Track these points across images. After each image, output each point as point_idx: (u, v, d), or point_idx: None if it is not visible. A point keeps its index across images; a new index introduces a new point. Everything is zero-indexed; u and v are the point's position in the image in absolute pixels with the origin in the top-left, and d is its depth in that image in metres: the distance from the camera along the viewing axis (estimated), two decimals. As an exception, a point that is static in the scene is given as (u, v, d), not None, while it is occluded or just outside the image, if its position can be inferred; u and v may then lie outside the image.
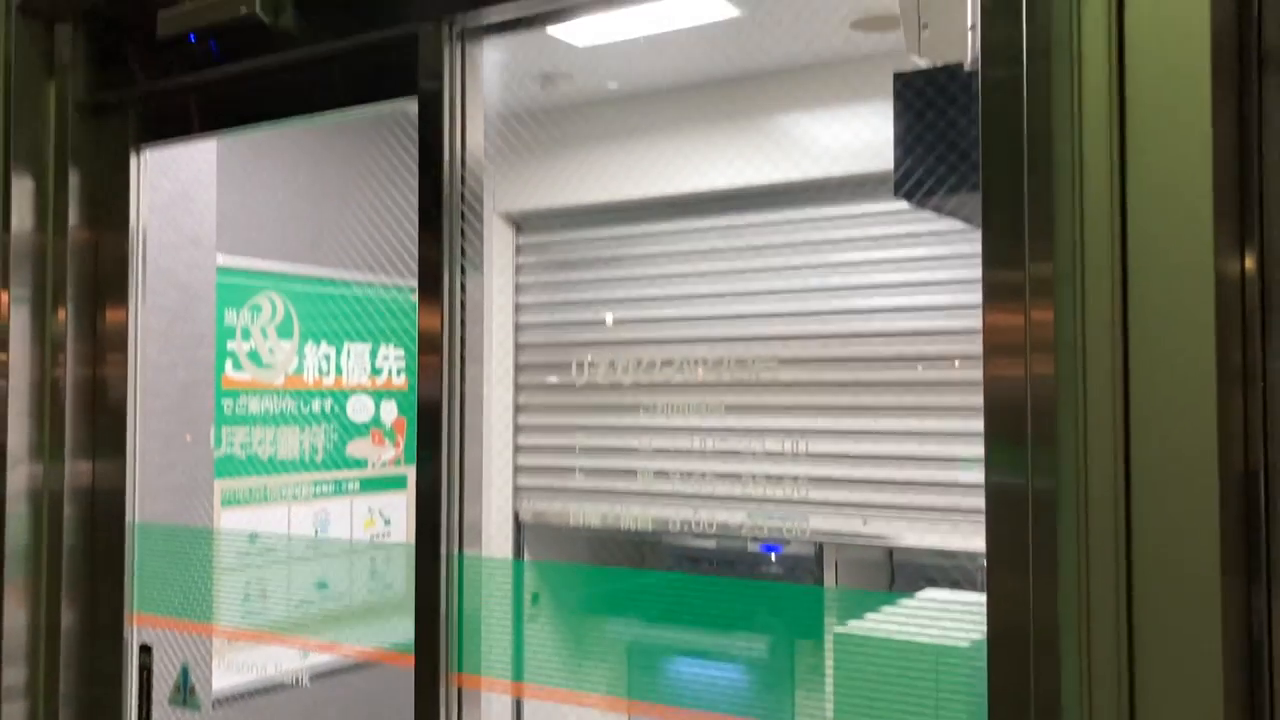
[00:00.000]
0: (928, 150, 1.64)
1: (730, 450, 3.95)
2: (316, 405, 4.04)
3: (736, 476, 3.93)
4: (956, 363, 3.67)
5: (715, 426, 3.94)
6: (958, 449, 3.57)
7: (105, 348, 2.51)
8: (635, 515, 4.12)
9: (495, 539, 4.26)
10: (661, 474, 4.11)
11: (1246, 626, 1.31)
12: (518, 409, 4.60)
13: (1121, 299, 1.34)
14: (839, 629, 1.57)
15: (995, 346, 1.41)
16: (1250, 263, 1.33)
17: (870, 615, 1.54)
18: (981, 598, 1.41)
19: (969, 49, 1.59)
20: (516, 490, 4.55)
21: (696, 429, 4.01)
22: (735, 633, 1.68)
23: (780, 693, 1.64)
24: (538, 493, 4.52)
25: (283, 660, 3.94)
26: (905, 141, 1.70)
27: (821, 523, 3.83)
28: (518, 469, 4.57)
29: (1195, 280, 1.30)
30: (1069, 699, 1.34)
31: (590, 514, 4.29)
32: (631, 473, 4.19)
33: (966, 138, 1.54)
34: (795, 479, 3.86)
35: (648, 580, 1.81)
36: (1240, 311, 1.33)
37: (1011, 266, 1.40)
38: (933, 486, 3.68)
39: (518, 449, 4.57)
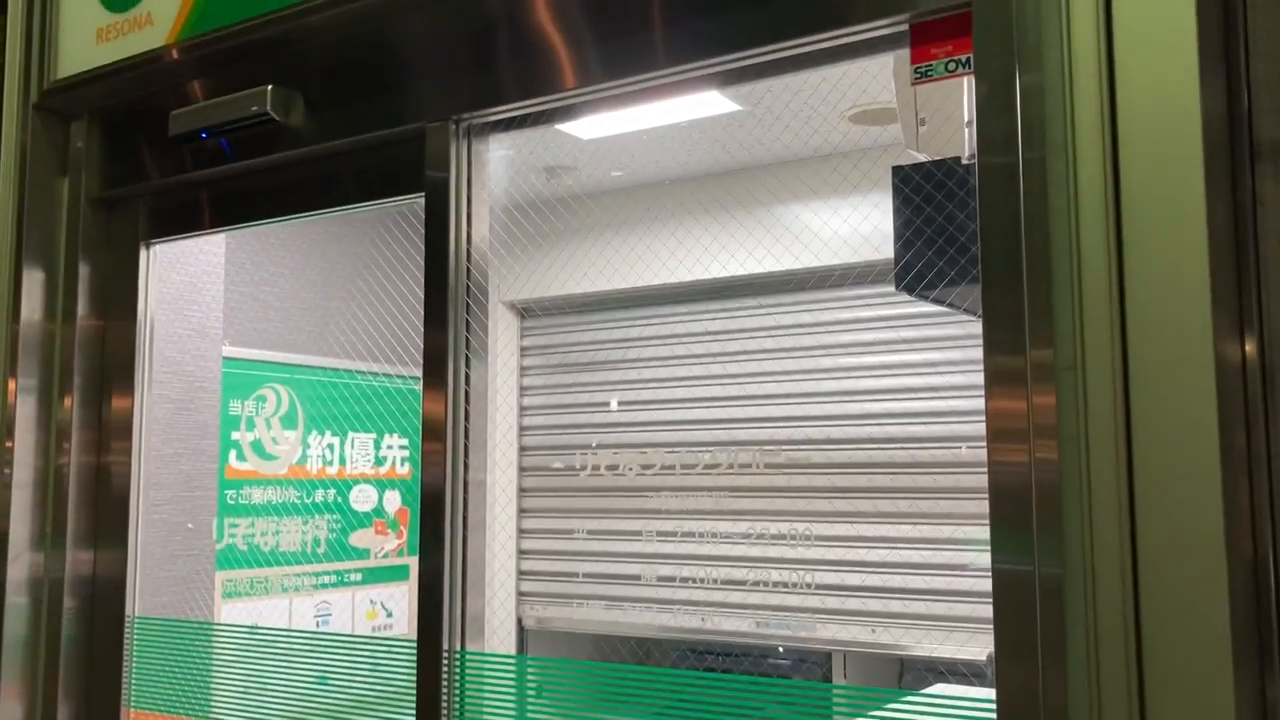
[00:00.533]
0: (927, 244, 1.65)
1: (738, 556, 3.93)
2: (319, 495, 4.02)
3: (743, 583, 3.90)
4: (963, 448, 3.66)
5: (723, 532, 3.92)
6: (969, 558, 3.54)
7: (110, 437, 2.51)
8: (641, 624, 4.07)
9: (499, 646, 4.21)
10: (666, 580, 4.08)
11: (1260, 715, 1.29)
12: (521, 500, 4.58)
13: (1123, 385, 1.34)
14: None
15: (999, 432, 1.41)
16: (1250, 347, 1.34)
17: (878, 712, 1.51)
18: (991, 693, 1.38)
19: (966, 143, 1.61)
20: (520, 596, 4.51)
21: (702, 536, 3.99)
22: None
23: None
24: (541, 599, 4.48)
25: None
26: (904, 235, 1.72)
27: (830, 631, 3.79)
28: (521, 574, 4.53)
29: (1196, 365, 1.30)
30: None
31: (595, 622, 4.25)
32: (636, 578, 4.15)
33: (965, 231, 1.55)
34: (804, 586, 3.83)
35: (653, 678, 1.78)
36: (1242, 396, 1.33)
37: (1012, 353, 1.40)
38: (945, 595, 3.64)
39: (521, 554, 4.54)
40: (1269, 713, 1.28)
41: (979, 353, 1.42)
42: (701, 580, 4.00)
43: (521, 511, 4.54)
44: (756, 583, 3.87)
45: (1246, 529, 1.30)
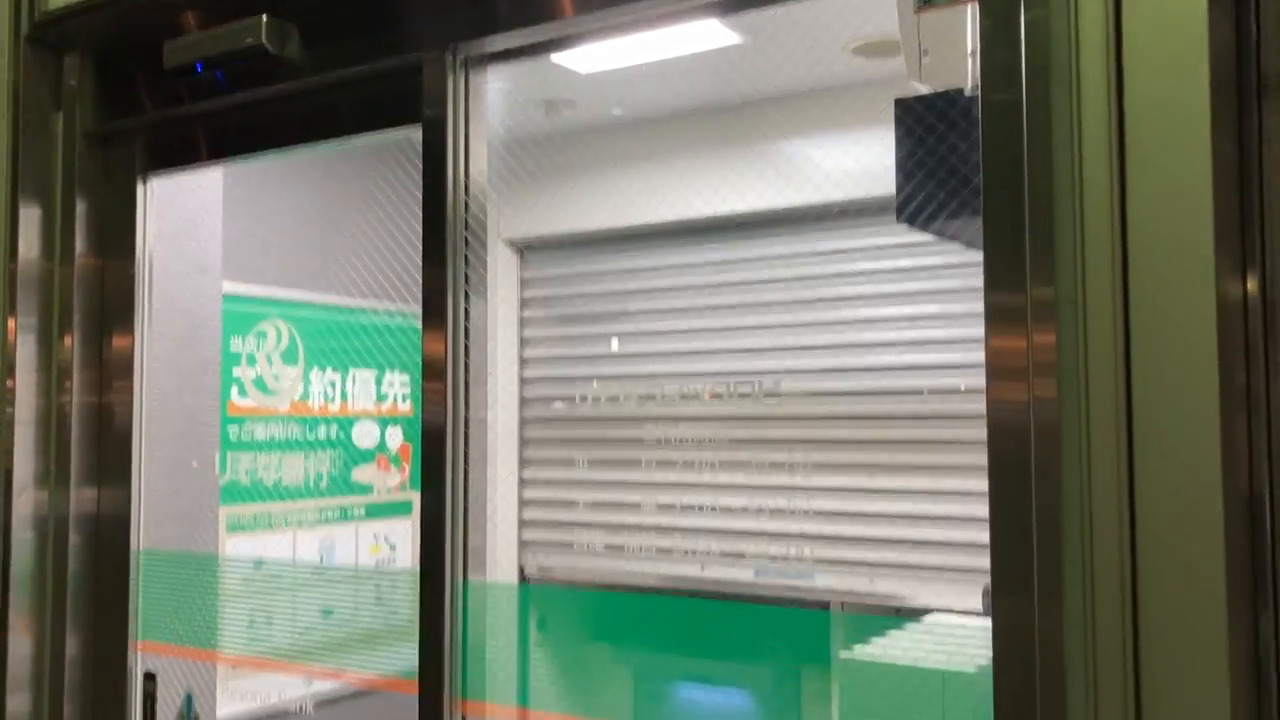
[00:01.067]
0: (929, 175, 1.64)
1: (737, 507, 3.95)
2: (322, 431, 4.05)
3: (743, 533, 3.93)
4: (962, 385, 3.67)
5: (723, 483, 3.94)
6: (968, 508, 3.56)
7: (111, 375, 2.52)
8: (641, 573, 4.10)
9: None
10: (666, 530, 4.11)
11: (1253, 651, 1.31)
12: (523, 450, 4.59)
13: (1124, 322, 1.34)
14: (844, 654, 1.56)
15: (998, 370, 1.41)
16: (1252, 284, 1.33)
17: (877, 640, 1.54)
18: (987, 622, 1.40)
19: (969, 74, 1.60)
20: (522, 545, 4.55)
21: (703, 485, 4.01)
22: (741, 657, 1.67)
23: (786, 717, 1.63)
24: (543, 547, 4.51)
25: (287, 688, 3.93)
26: (906, 167, 1.71)
27: (828, 581, 3.82)
28: (523, 523, 4.57)
29: (1197, 302, 1.30)
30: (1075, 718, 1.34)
31: (596, 571, 4.28)
32: (637, 529, 4.19)
33: (967, 162, 1.54)
34: (802, 536, 3.85)
35: (654, 605, 1.80)
36: (1243, 333, 1.33)
37: (1013, 290, 1.40)
38: (943, 546, 3.66)
39: (523, 503, 4.57)
40: (1261, 646, 1.30)
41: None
42: (701, 530, 4.03)
43: (524, 463, 4.57)
44: (755, 532, 3.90)
45: (1244, 466, 1.31)
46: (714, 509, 3.98)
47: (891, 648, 1.51)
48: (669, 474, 4.13)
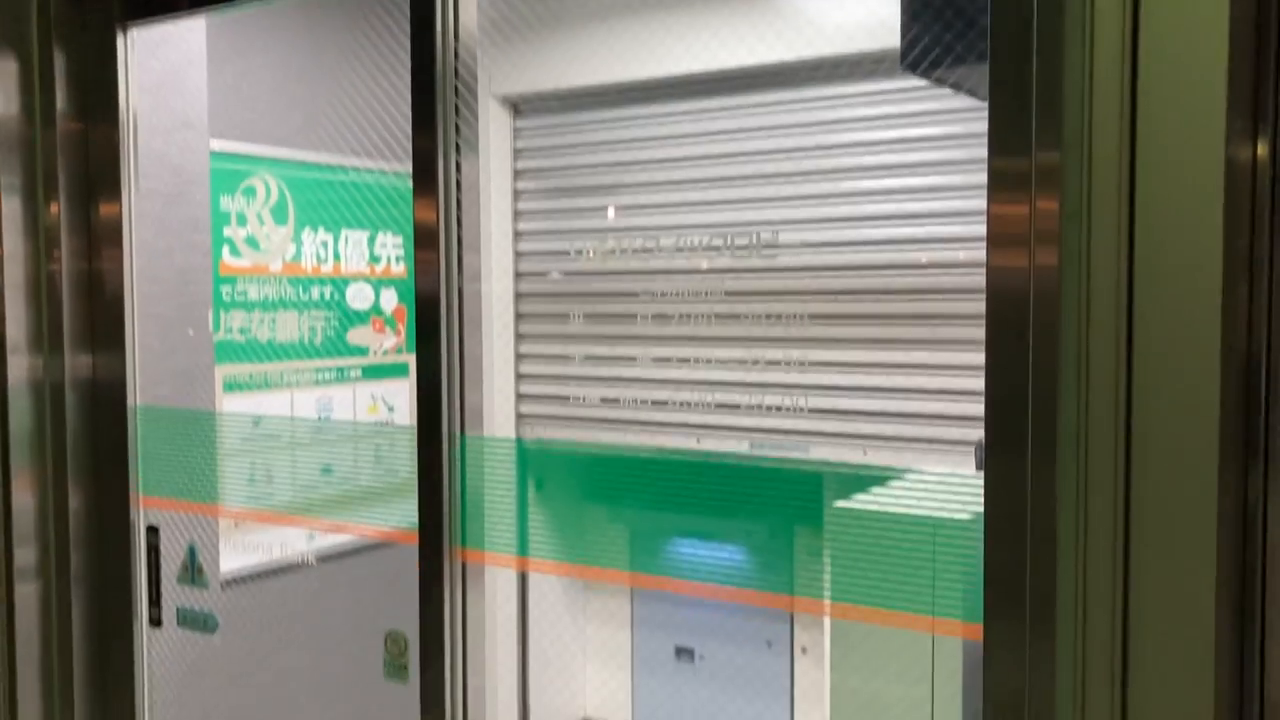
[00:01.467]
0: (935, 17, 1.59)
1: (734, 381, 3.97)
2: (316, 292, 4.04)
3: (738, 407, 3.95)
4: (961, 255, 3.65)
5: (719, 357, 3.95)
6: (965, 382, 3.57)
7: (100, 237, 2.49)
8: (637, 447, 4.14)
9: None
10: (661, 405, 4.14)
11: (1241, 506, 1.33)
12: (519, 325, 4.58)
13: (1129, 188, 1.32)
14: (837, 503, 1.59)
15: (999, 237, 1.40)
16: (1262, 149, 1.31)
17: (875, 490, 1.56)
18: (980, 476, 1.42)
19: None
20: (519, 418, 4.59)
21: (700, 360, 4.01)
22: (736, 515, 1.70)
23: (779, 567, 1.67)
24: (540, 421, 4.54)
25: (289, 544, 4.01)
26: (911, 9, 1.65)
27: (822, 453, 3.85)
28: (520, 396, 4.59)
29: (1205, 166, 1.28)
30: (1065, 574, 1.37)
31: (592, 442, 4.32)
32: (633, 404, 4.21)
33: (974, 4, 1.50)
34: (798, 410, 3.88)
35: (650, 466, 1.83)
36: (1250, 200, 1.31)
37: (1018, 154, 1.38)
38: (938, 419, 3.68)
39: (519, 377, 4.58)
40: (1249, 505, 1.32)
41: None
42: (696, 405, 4.06)
43: (520, 337, 4.57)
44: (751, 406, 3.93)
45: (1243, 328, 1.31)
46: (710, 383, 4.01)
47: (883, 499, 1.54)
48: (665, 348, 4.14)
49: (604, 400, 4.31)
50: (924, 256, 3.73)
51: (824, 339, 3.84)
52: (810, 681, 4.70)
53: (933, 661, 2.21)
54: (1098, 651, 1.35)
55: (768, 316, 3.85)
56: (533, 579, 5.02)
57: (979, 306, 1.41)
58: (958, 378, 3.63)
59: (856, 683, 2.26)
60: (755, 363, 3.88)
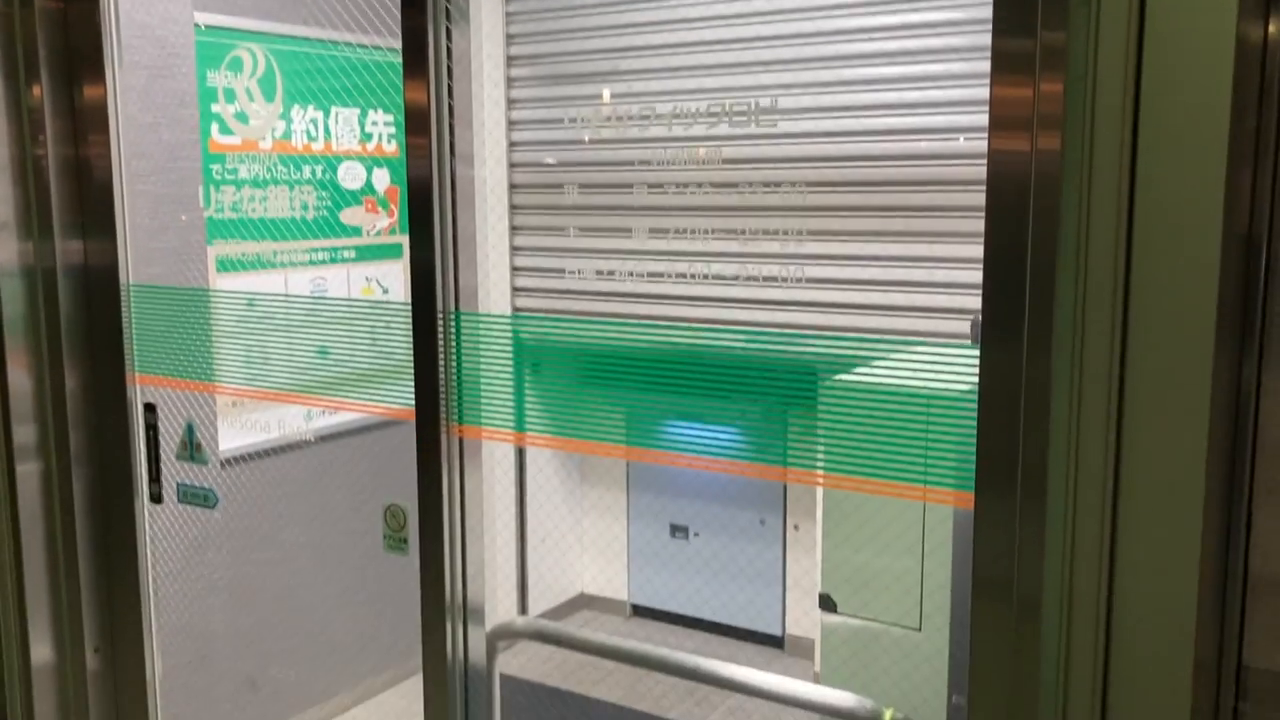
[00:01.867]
0: None
1: (729, 275, 3.95)
2: (306, 171, 3.98)
3: (733, 301, 3.94)
4: (961, 139, 3.60)
5: (714, 250, 3.91)
6: (963, 275, 3.55)
7: (86, 120, 2.44)
8: (633, 320, 4.13)
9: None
10: (657, 277, 4.12)
11: (1235, 388, 1.33)
12: (513, 217, 4.53)
13: (1135, 70, 1.29)
14: (830, 378, 1.60)
15: (1001, 120, 1.37)
16: (1274, 29, 1.28)
17: (871, 365, 1.57)
18: (975, 352, 1.42)
19: None
20: (514, 293, 4.57)
21: (695, 253, 3.98)
22: (731, 398, 1.71)
23: (775, 439, 1.69)
24: (535, 296, 4.53)
25: (288, 424, 4.04)
26: None
27: (818, 347, 3.85)
28: (515, 290, 4.57)
29: (1214, 50, 1.24)
30: (1056, 452, 1.38)
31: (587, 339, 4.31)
32: (628, 275, 4.19)
33: None
34: (794, 304, 3.86)
35: (648, 330, 1.82)
36: (1259, 80, 1.28)
37: (1023, 34, 1.34)
38: (933, 312, 3.67)
39: (514, 270, 4.54)
40: (1241, 390, 1.33)
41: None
42: (692, 298, 4.05)
43: (514, 229, 4.53)
44: (746, 300, 3.93)
45: (1246, 211, 1.29)
46: (706, 278, 4.00)
47: (878, 373, 1.55)
48: (661, 220, 4.11)
49: (599, 274, 4.30)
50: (923, 148, 3.69)
51: (821, 230, 3.81)
52: (802, 559, 4.81)
53: (923, 536, 2.25)
54: (1087, 528, 1.37)
55: (765, 185, 3.82)
56: (530, 469, 5.08)
57: (980, 198, 1.39)
58: (956, 271, 3.62)
59: (847, 555, 2.30)
60: (750, 255, 3.86)
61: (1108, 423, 1.34)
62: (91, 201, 2.47)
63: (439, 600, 2.06)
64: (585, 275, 4.35)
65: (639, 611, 5.31)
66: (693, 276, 4.02)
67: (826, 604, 2.39)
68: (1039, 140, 1.34)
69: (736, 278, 3.89)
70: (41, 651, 2.61)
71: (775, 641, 4.96)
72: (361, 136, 4.18)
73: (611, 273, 4.23)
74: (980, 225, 1.40)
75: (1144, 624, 1.36)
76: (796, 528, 4.87)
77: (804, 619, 4.81)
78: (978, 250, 1.41)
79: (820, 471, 1.62)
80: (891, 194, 3.73)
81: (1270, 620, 1.36)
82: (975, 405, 1.42)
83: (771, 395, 1.67)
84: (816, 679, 3.05)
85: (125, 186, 2.49)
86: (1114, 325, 1.32)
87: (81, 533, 2.57)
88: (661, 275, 4.12)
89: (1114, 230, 1.31)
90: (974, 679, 1.48)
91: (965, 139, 3.60)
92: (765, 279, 3.84)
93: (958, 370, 1.47)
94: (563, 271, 4.42)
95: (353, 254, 4.19)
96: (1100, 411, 1.34)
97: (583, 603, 5.44)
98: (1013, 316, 1.39)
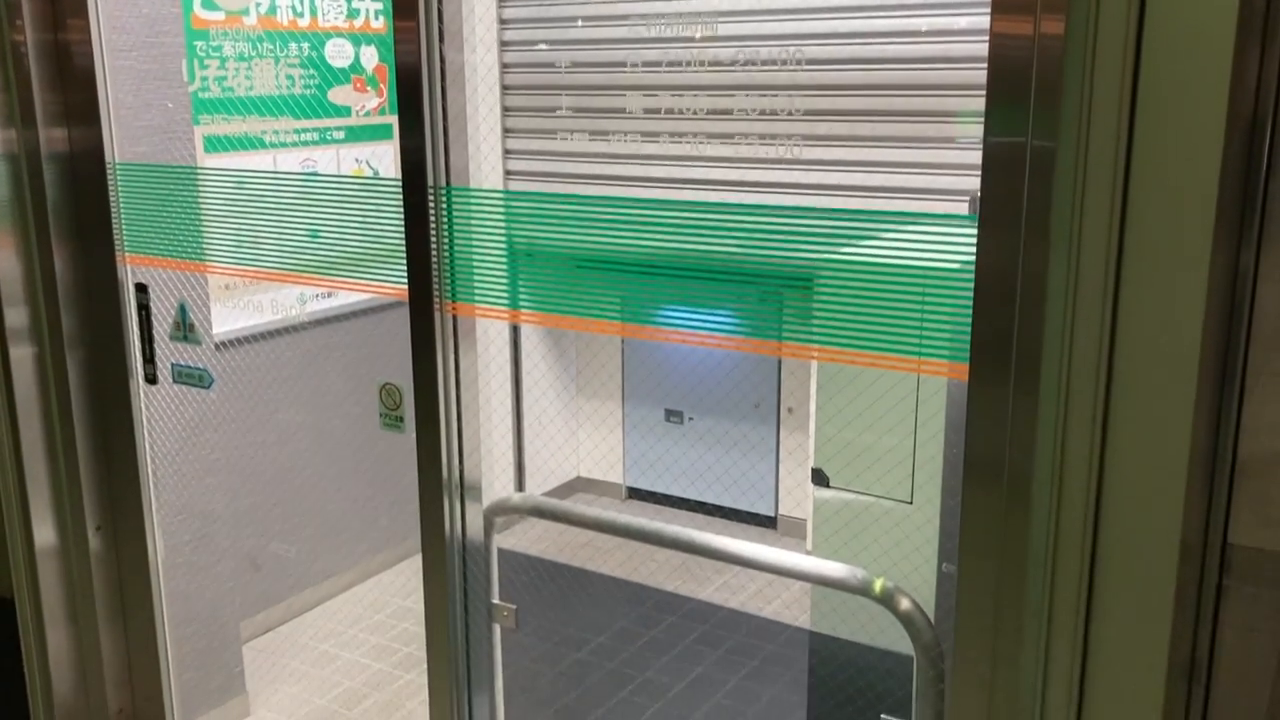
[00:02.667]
0: None
1: (730, 181, 3.90)
2: (294, 49, 3.89)
3: (729, 160, 3.90)
4: (962, 22, 3.52)
5: (709, 155, 3.84)
6: (960, 182, 3.50)
7: (64, 4, 2.36)
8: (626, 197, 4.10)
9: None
10: (650, 159, 4.07)
11: (1232, 275, 1.32)
12: (505, 98, 4.45)
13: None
14: (825, 255, 1.59)
15: (1003, 4, 1.33)
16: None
17: (868, 241, 1.56)
18: (972, 228, 1.41)
19: None
20: (507, 175, 4.51)
21: (692, 158, 3.92)
22: (727, 284, 1.71)
23: (771, 314, 1.69)
24: (527, 177, 4.48)
25: (282, 308, 4.04)
26: None
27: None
28: (507, 152, 4.50)
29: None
30: (1051, 333, 1.38)
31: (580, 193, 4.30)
32: (622, 157, 4.15)
33: None
34: (792, 161, 3.82)
35: (642, 205, 1.80)
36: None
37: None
38: (935, 194, 3.63)
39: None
40: (1239, 274, 1.32)
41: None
42: (687, 182, 4.01)
43: (506, 111, 4.45)
44: (743, 159, 3.88)
45: (1250, 95, 1.27)
46: (703, 184, 3.96)
47: (875, 249, 1.54)
48: (655, 100, 4.04)
49: (592, 155, 4.25)
50: (923, 24, 3.61)
51: (814, 135, 3.76)
52: (795, 439, 4.86)
53: (916, 410, 2.27)
54: (1080, 405, 1.37)
55: (762, 63, 3.75)
56: (525, 360, 5.09)
57: (979, 103, 1.36)
58: (951, 178, 3.57)
59: (840, 430, 2.33)
60: (747, 161, 3.81)
61: (1103, 302, 1.34)
62: (73, 85, 2.42)
63: (436, 477, 2.08)
64: (578, 158, 4.30)
65: (635, 494, 5.39)
66: (688, 160, 3.97)
67: (819, 479, 2.42)
68: (1042, 24, 1.31)
69: (731, 159, 3.85)
70: (44, 533, 2.65)
71: (768, 522, 5.05)
72: (349, 13, 4.08)
73: (606, 156, 4.18)
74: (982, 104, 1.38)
75: (1133, 500, 1.38)
76: (791, 410, 4.91)
77: (797, 497, 4.89)
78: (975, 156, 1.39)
79: (815, 345, 1.63)
80: (891, 71, 3.67)
81: (1256, 499, 1.38)
82: (972, 280, 1.41)
83: (768, 271, 1.66)
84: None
85: (107, 63, 2.43)
86: (1113, 205, 1.31)
87: (78, 414, 2.59)
88: (655, 158, 4.07)
89: (1116, 113, 1.29)
90: (964, 549, 1.51)
91: (967, 20, 3.52)
92: (761, 161, 3.80)
93: (955, 245, 1.46)
94: (555, 154, 4.37)
95: (342, 134, 4.13)
96: (1096, 291, 1.34)
97: (579, 486, 5.52)
98: (1011, 201, 1.37)
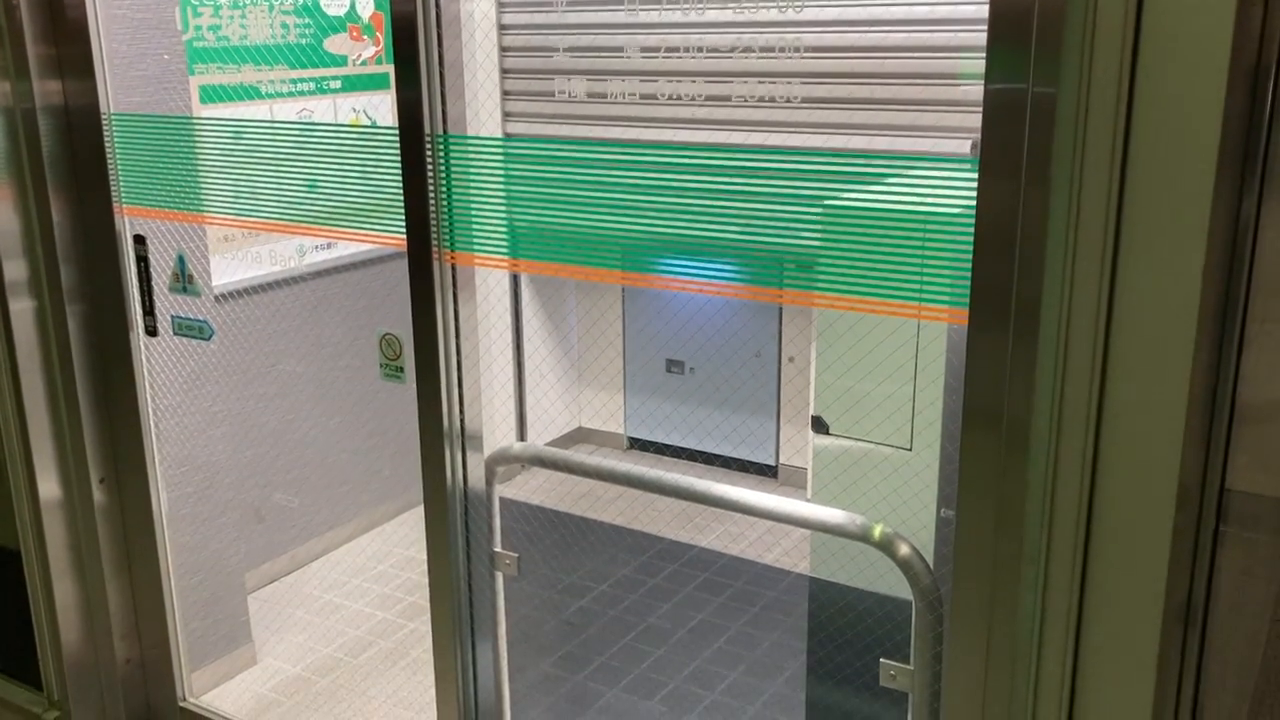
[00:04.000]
0: None
1: (733, 121, 3.86)
2: (288, -3, 3.85)
3: (727, 99, 3.86)
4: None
5: (702, 120, 3.81)
6: (960, 146, 3.47)
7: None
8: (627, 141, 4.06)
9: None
10: (650, 99, 4.04)
11: (1233, 223, 1.32)
12: (501, 37, 4.39)
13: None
14: (828, 200, 1.58)
15: None
16: None
17: (871, 185, 1.55)
18: (973, 173, 1.40)
19: None
20: (505, 118, 4.48)
21: (692, 120, 3.88)
22: (731, 207, 1.69)
23: (772, 261, 1.69)
24: (526, 120, 4.44)
25: (281, 259, 4.03)
26: None
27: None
28: (505, 94, 4.46)
29: None
30: (1051, 276, 1.37)
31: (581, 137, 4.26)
32: (621, 97, 4.11)
33: None
34: (792, 101, 3.78)
35: (644, 149, 1.78)
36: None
37: None
38: (938, 132, 3.58)
39: (504, 74, 4.43)
40: (1240, 222, 1.31)
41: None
42: (687, 122, 3.98)
43: (502, 28, 4.39)
44: (740, 124, 3.85)
45: (1254, 42, 1.25)
46: (701, 74, 3.91)
47: (876, 193, 1.53)
48: (654, 37, 4.00)
49: (590, 96, 4.21)
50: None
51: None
52: (796, 388, 4.87)
53: (916, 357, 2.27)
54: (1079, 352, 1.37)
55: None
56: (525, 313, 5.08)
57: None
58: (954, 142, 3.53)
59: (840, 378, 2.33)
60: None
61: (1103, 248, 1.33)
62: (67, 36, 2.39)
63: (437, 427, 2.09)
64: (577, 98, 4.26)
65: (636, 444, 5.40)
66: (689, 98, 3.93)
67: (819, 426, 2.42)
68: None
69: (730, 99, 3.81)
70: (48, 486, 2.66)
71: (769, 471, 5.07)
72: (343, -41, 4.03)
73: (604, 96, 4.14)
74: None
75: (1131, 446, 1.38)
76: (791, 360, 4.91)
77: (798, 445, 4.91)
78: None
79: (817, 292, 1.62)
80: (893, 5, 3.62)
81: (1253, 446, 1.38)
82: (972, 225, 1.41)
83: (768, 216, 1.65)
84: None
85: (100, 13, 2.41)
86: (1114, 151, 1.30)
87: (79, 367, 2.59)
88: (655, 97, 4.04)
89: (1118, 59, 1.27)
90: (962, 495, 1.51)
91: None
92: (760, 100, 3.76)
93: (956, 189, 1.45)
94: (553, 94, 4.33)
95: (339, 84, 4.09)
96: (1096, 237, 1.33)
97: (581, 436, 5.54)
98: (1012, 141, 1.36)
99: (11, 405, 2.59)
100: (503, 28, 4.38)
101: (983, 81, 1.36)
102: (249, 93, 3.76)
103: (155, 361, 2.69)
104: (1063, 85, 1.31)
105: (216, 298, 3.43)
